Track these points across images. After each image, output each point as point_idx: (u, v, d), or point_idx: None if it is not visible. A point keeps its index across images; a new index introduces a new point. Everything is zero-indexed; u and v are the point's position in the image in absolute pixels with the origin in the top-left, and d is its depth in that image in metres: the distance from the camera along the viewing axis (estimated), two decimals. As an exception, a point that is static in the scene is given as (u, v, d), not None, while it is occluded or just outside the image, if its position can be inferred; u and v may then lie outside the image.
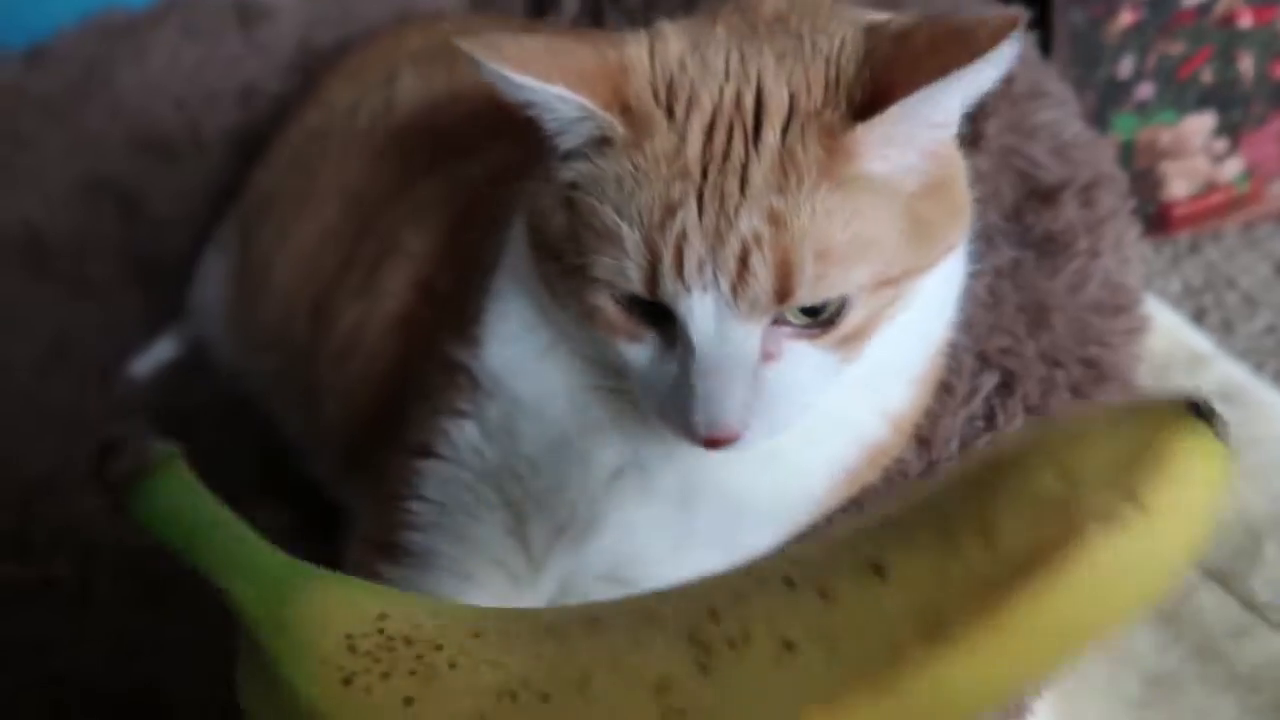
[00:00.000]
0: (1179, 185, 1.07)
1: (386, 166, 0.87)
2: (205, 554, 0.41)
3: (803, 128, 0.51)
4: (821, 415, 0.57)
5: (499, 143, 0.82)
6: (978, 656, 0.33)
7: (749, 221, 0.50)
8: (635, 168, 0.52)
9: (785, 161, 0.51)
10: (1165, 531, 0.32)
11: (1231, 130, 1.05)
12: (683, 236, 0.51)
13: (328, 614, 0.39)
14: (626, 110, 0.53)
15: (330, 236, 0.86)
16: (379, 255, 0.80)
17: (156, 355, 1.03)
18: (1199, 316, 1.04)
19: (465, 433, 0.63)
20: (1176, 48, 1.01)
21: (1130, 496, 0.32)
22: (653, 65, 0.54)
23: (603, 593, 0.61)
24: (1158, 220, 1.08)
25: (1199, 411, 0.33)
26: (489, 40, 0.54)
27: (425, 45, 1.00)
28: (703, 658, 0.36)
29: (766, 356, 0.53)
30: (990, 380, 0.66)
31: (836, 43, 0.53)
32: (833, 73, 0.52)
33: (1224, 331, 1.03)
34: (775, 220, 0.50)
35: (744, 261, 0.50)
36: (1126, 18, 0.99)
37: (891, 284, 0.54)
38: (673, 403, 0.53)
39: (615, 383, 0.59)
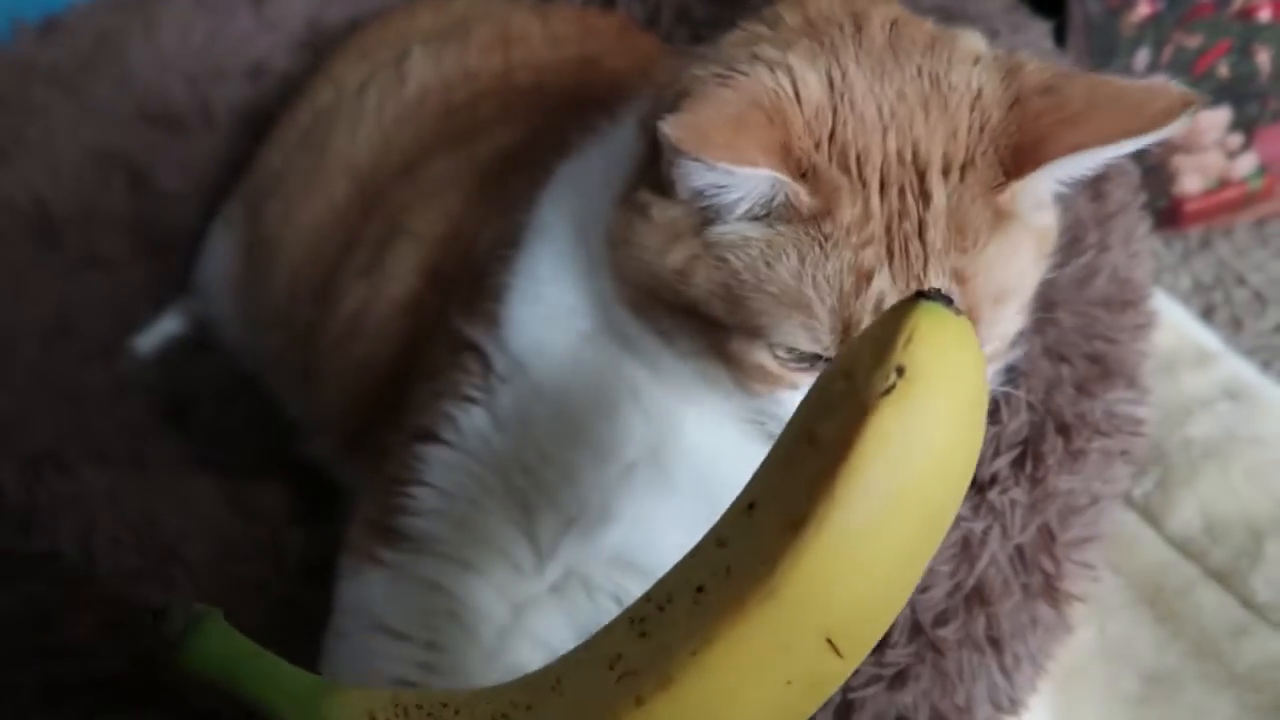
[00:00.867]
0: (1192, 180, 1.06)
1: (395, 146, 0.86)
2: (248, 685, 0.49)
3: (965, 184, 0.52)
4: None
5: (510, 123, 0.82)
6: (828, 533, 0.40)
7: (939, 279, 0.52)
8: (825, 237, 0.51)
9: (958, 222, 0.52)
10: (930, 386, 0.40)
11: (1247, 125, 1.04)
12: (880, 299, 0.51)
13: (353, 703, 0.48)
14: (806, 174, 0.52)
15: (337, 215, 0.86)
16: (386, 236, 0.80)
17: (161, 331, 1.03)
18: (1208, 313, 1.04)
19: (473, 419, 0.63)
20: (1193, 40, 1.00)
21: (893, 370, 0.40)
22: (803, 112, 0.52)
23: (611, 580, 0.62)
24: (1169, 215, 1.07)
25: (928, 295, 0.41)
26: (688, 124, 0.49)
27: (436, 23, 0.99)
28: (639, 625, 0.45)
29: None
30: (995, 377, 0.66)
31: (975, 86, 0.54)
32: (978, 121, 0.53)
33: (1233, 328, 1.02)
34: (959, 278, 0.52)
35: None
36: (1144, 9, 0.98)
37: (1023, 310, 0.57)
38: None
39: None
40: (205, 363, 0.98)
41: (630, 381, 0.61)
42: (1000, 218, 0.53)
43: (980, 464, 0.64)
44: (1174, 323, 0.90)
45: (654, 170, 0.55)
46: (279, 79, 1.14)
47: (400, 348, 0.76)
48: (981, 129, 0.53)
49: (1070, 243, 0.74)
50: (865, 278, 0.51)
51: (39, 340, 0.95)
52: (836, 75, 0.53)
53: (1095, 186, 0.77)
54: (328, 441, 0.84)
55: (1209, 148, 1.05)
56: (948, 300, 0.42)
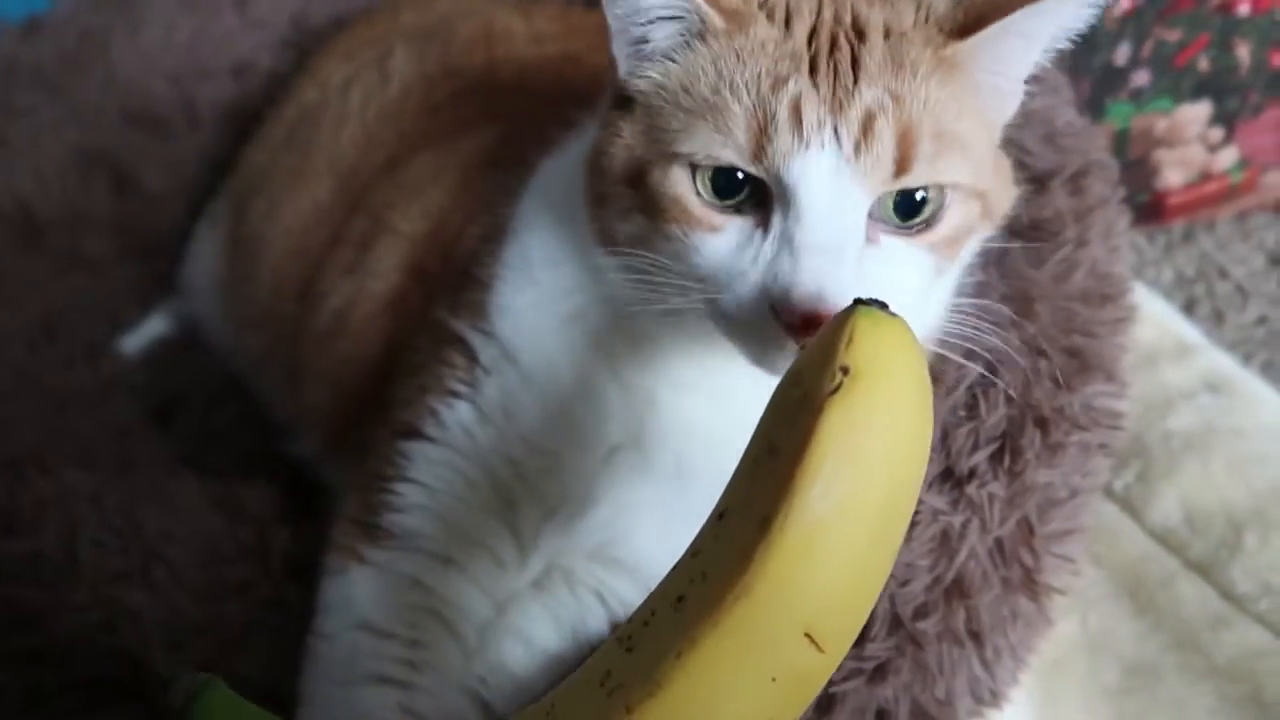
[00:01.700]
0: (1173, 174, 1.07)
1: (378, 143, 0.87)
2: None
3: (906, 39, 0.54)
4: None
5: (492, 121, 0.83)
6: (794, 529, 0.42)
7: (871, 93, 0.52)
8: (737, 51, 0.54)
9: (896, 57, 0.54)
10: (874, 380, 0.43)
11: (1227, 119, 1.04)
12: (799, 99, 0.52)
13: None
14: (722, 9, 0.55)
15: (321, 213, 0.86)
16: (369, 234, 0.80)
17: (147, 332, 1.03)
18: (1190, 306, 1.04)
19: (457, 413, 0.63)
20: (1174, 35, 1.00)
21: (838, 370, 0.43)
22: None
23: (592, 574, 0.62)
24: (1151, 209, 1.08)
25: (864, 303, 0.45)
26: None
27: (419, 22, 0.99)
28: (626, 643, 0.47)
29: (869, 240, 0.53)
30: (974, 369, 0.66)
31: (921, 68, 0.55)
32: (923, 13, 0.55)
33: (1214, 321, 1.03)
34: (895, 98, 0.52)
35: (868, 126, 0.52)
36: (1124, 3, 0.98)
37: (978, 199, 0.55)
38: (764, 288, 0.52)
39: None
40: (192, 363, 0.98)
41: (612, 360, 0.61)
42: (944, 64, 0.54)
43: (959, 458, 0.65)
44: (1155, 316, 0.91)
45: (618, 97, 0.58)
46: (264, 78, 1.14)
47: (384, 345, 0.76)
48: (927, 18, 0.55)
49: (1049, 237, 0.74)
50: (780, 81, 0.53)
51: (24, 343, 0.94)
52: None
53: (1074, 181, 0.77)
54: (313, 440, 0.84)
55: (1190, 141, 1.06)
56: (882, 305, 0.45)
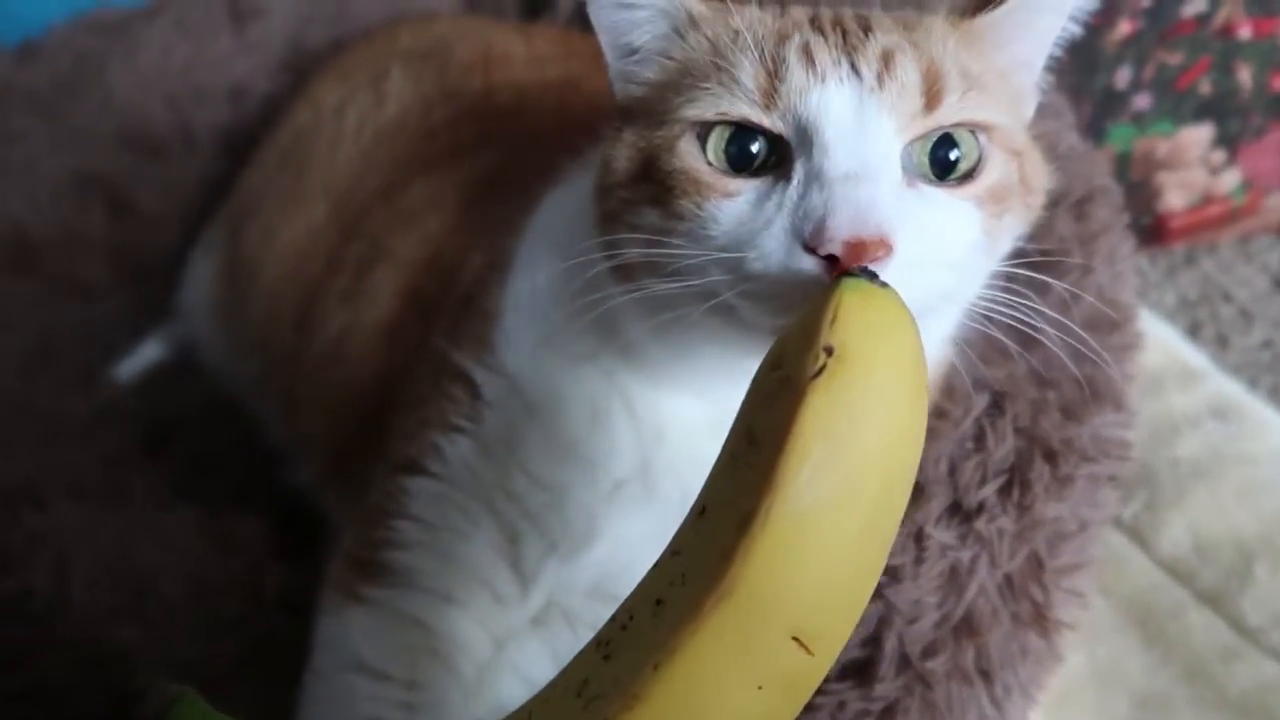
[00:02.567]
0: (1176, 197, 1.06)
1: (374, 166, 0.86)
2: None
3: (917, 20, 0.54)
4: None
5: (492, 146, 0.82)
6: (776, 525, 0.40)
7: (884, 37, 0.51)
8: (733, 26, 0.53)
9: (907, 25, 0.53)
10: (861, 360, 0.39)
11: (1229, 142, 1.04)
12: (808, 44, 0.51)
13: None
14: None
15: (316, 236, 0.86)
16: (367, 260, 0.79)
17: (143, 357, 1.02)
18: (1194, 330, 1.03)
19: (459, 449, 0.62)
20: (1175, 58, 1.00)
21: (821, 351, 0.39)
22: None
23: (592, 610, 0.61)
24: (1153, 232, 1.07)
25: (850, 273, 0.41)
26: None
27: (417, 44, 0.99)
28: (603, 649, 0.45)
29: (908, 183, 0.50)
30: (982, 401, 0.66)
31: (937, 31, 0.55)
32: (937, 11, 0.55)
33: (1219, 346, 1.02)
34: (912, 42, 0.51)
35: (888, 59, 0.50)
36: (1125, 27, 0.98)
37: (1015, 158, 0.53)
38: (794, 229, 0.48)
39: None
40: (187, 389, 0.97)
41: (623, 390, 0.60)
42: (962, 33, 0.53)
43: (967, 491, 0.64)
44: (1160, 341, 0.90)
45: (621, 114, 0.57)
46: (260, 101, 1.13)
47: (382, 373, 0.75)
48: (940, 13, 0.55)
49: (1054, 263, 0.73)
50: (784, 35, 0.52)
51: (17, 370, 0.93)
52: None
53: (1079, 207, 0.77)
54: (310, 469, 0.83)
55: (1192, 164, 1.05)
56: (872, 275, 0.41)
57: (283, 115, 1.02)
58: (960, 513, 0.62)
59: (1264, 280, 1.07)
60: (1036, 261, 0.73)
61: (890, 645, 0.59)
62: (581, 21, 1.08)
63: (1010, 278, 0.75)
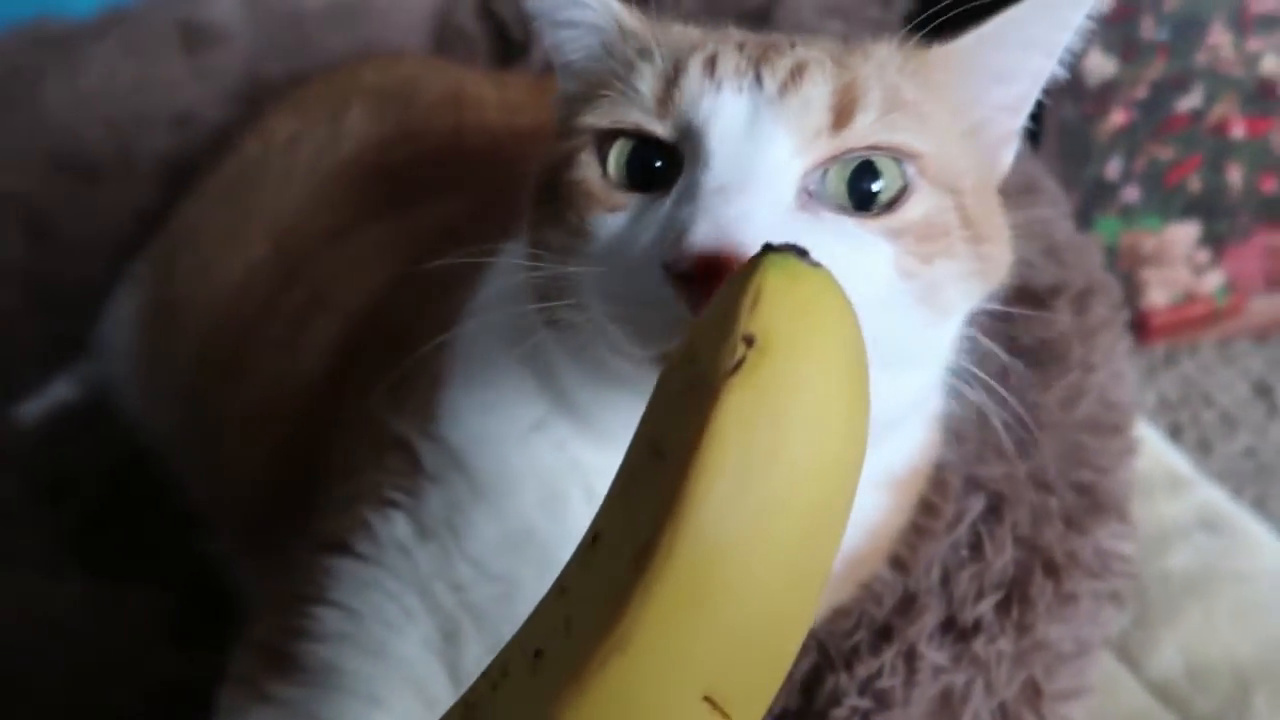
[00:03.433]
0: (1158, 294, 1.04)
1: (325, 206, 0.79)
2: None
3: (863, 44, 0.50)
4: None
5: (457, 189, 0.76)
6: (682, 560, 0.32)
7: (805, 51, 0.47)
8: (656, 38, 0.49)
9: (847, 49, 0.49)
10: (788, 352, 0.32)
11: (1215, 241, 1.01)
12: (715, 53, 0.47)
13: None
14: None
15: (256, 277, 0.79)
16: (307, 308, 0.72)
17: (49, 398, 0.93)
18: (1175, 433, 1.00)
19: (393, 528, 0.54)
20: (1166, 153, 0.98)
21: (739, 342, 0.32)
22: None
23: None
24: (1135, 329, 1.04)
25: (775, 249, 0.34)
26: None
27: (381, 81, 0.93)
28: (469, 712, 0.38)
29: (800, 206, 0.45)
30: (977, 504, 0.60)
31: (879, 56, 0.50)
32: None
33: (1201, 451, 0.98)
34: (838, 60, 0.47)
35: (798, 71, 0.46)
36: (1118, 118, 0.96)
37: (952, 197, 0.47)
38: (657, 244, 0.43)
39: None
40: (95, 436, 0.89)
41: (579, 464, 0.53)
42: (911, 59, 0.49)
43: (962, 606, 0.57)
44: (1146, 444, 0.86)
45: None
46: (208, 131, 1.07)
47: (315, 435, 0.67)
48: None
49: (1054, 360, 0.69)
50: (699, 43, 0.49)
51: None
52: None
53: (1079, 301, 0.72)
54: (225, 537, 0.75)
55: (1177, 262, 1.03)
56: (801, 252, 0.34)
57: (231, 147, 0.95)
58: (955, 629, 0.56)
59: (1245, 386, 1.04)
60: (1036, 355, 0.69)
61: (877, 785, 0.52)
62: (553, 70, 1.04)
63: (1004, 373, 0.71)
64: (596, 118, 0.48)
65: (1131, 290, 1.03)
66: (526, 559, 0.53)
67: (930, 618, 0.56)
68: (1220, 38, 0.94)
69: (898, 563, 0.59)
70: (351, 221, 0.78)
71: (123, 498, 0.82)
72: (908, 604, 0.56)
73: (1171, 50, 0.94)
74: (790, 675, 0.55)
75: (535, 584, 0.52)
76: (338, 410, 0.66)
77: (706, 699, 0.32)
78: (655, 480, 0.33)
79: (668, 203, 0.45)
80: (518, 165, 0.76)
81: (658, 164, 0.47)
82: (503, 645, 0.52)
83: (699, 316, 0.36)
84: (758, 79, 0.46)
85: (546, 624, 0.35)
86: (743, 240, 0.41)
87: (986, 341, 0.53)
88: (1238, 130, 0.97)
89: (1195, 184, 0.98)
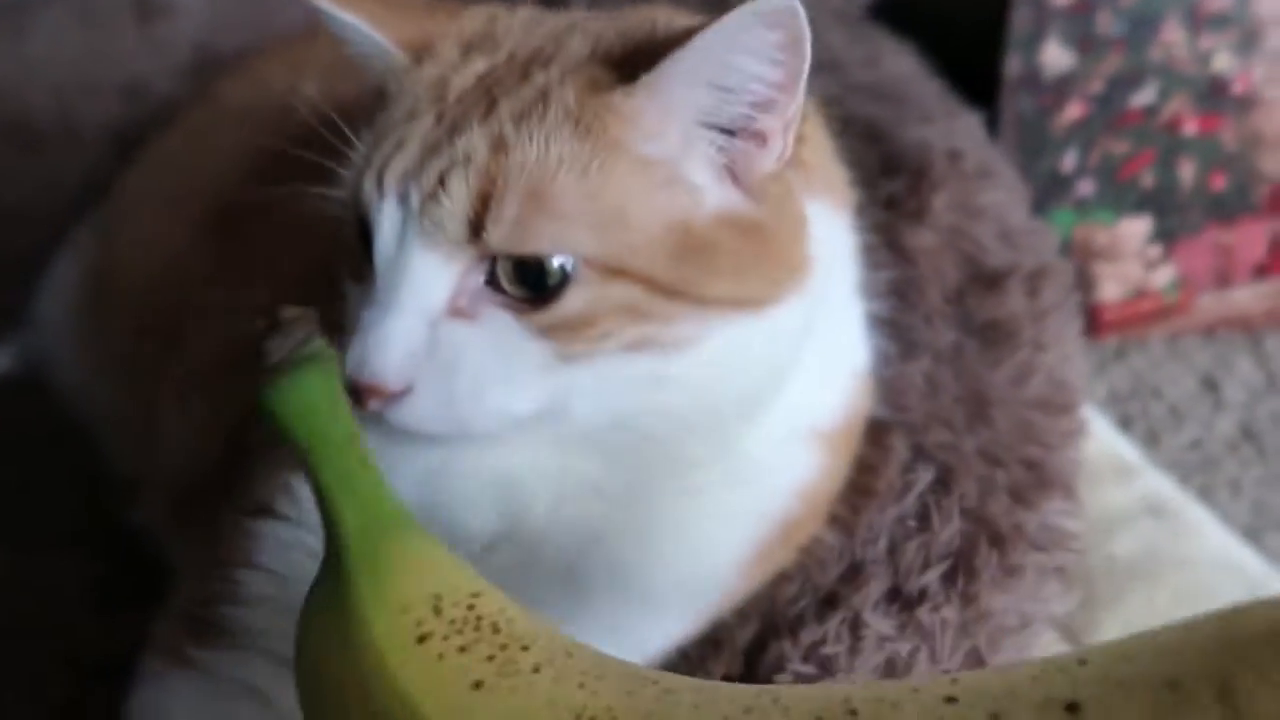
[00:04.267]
0: (1110, 288, 1.04)
1: (271, 175, 0.78)
2: (325, 464, 0.38)
3: (565, 75, 0.47)
4: (719, 483, 0.51)
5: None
6: None
7: (468, 141, 0.46)
8: (401, 90, 0.49)
9: (537, 100, 0.47)
10: None
11: (1167, 237, 1.02)
12: (400, 144, 0.47)
13: (424, 567, 0.39)
14: (422, 49, 0.50)
15: (198, 244, 0.77)
16: (247, 273, 0.71)
17: (-15, 367, 0.90)
18: (1125, 424, 1.01)
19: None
20: (1120, 146, 0.98)
21: None
22: (480, 21, 0.52)
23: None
24: (1088, 322, 1.05)
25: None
26: None
27: (339, 59, 0.92)
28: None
29: (456, 312, 0.46)
30: (926, 476, 0.60)
31: (640, 21, 0.50)
32: (617, 43, 0.49)
33: (1149, 443, 0.99)
34: (496, 145, 0.45)
35: (443, 179, 0.45)
36: (1075, 110, 0.97)
37: (637, 283, 0.46)
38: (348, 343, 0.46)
39: None
40: (29, 408, 0.86)
41: (452, 450, 0.52)
42: (596, 118, 0.46)
43: (908, 575, 0.57)
44: (1096, 432, 0.86)
45: None
46: (158, 102, 1.05)
47: (252, 406, 0.65)
48: (619, 48, 0.49)
49: (1005, 338, 0.69)
50: (405, 119, 0.48)
51: None
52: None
53: (1031, 282, 0.73)
54: (159, 507, 0.72)
55: (1129, 256, 1.03)
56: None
57: (180, 115, 0.93)
58: (900, 598, 0.55)
59: (1193, 380, 1.05)
60: (987, 334, 0.69)
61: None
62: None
63: (958, 351, 0.71)
64: (333, 189, 0.49)
65: (1084, 284, 1.04)
66: (435, 525, 0.52)
67: (876, 586, 0.55)
68: (1174, 34, 0.96)
69: (839, 523, 0.58)
70: (295, 198, 0.77)
71: (54, 471, 0.79)
72: (853, 572, 0.56)
73: (1128, 45, 0.95)
74: (732, 642, 0.54)
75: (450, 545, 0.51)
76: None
77: None
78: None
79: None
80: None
81: None
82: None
83: None
84: (409, 188, 0.46)
85: None
86: (375, 370, 0.45)
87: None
88: (1190, 127, 0.98)
89: (1148, 179, 0.99)
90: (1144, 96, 0.96)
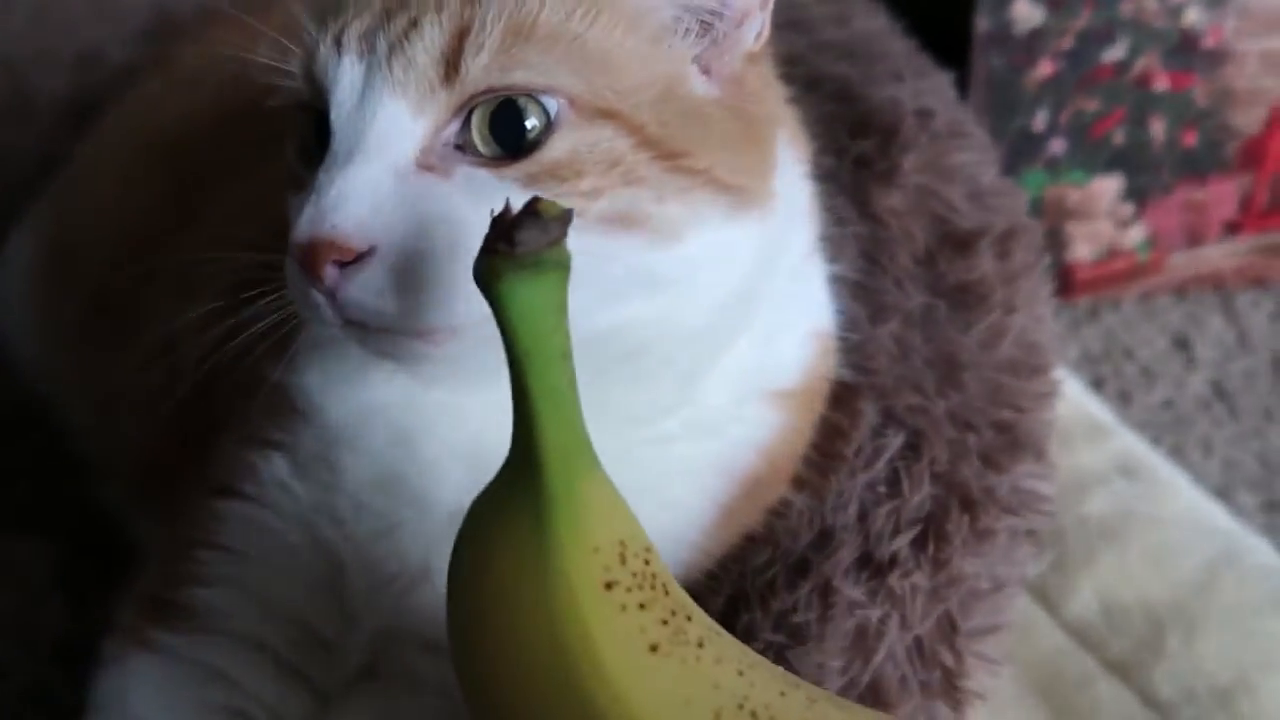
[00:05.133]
0: (1083, 248, 1.04)
1: (227, 145, 0.76)
2: (536, 374, 0.37)
3: None
4: (682, 437, 0.51)
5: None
6: None
7: None
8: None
9: None
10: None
11: (1138, 196, 1.02)
12: (359, 10, 0.45)
13: (613, 509, 0.38)
14: None
15: (155, 216, 0.75)
16: (204, 246, 0.69)
17: (-63, 346, 0.88)
18: (1097, 385, 1.01)
19: (274, 467, 0.52)
20: (1091, 105, 0.98)
21: None
22: None
23: (434, 669, 0.51)
24: (1060, 283, 1.05)
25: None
26: None
27: (293, 24, 0.89)
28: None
29: (425, 166, 0.43)
30: (896, 440, 0.59)
31: None
32: None
33: (1121, 402, 0.99)
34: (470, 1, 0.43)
35: (414, 23, 0.43)
36: (1045, 68, 0.96)
37: (626, 127, 0.44)
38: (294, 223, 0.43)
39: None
40: (-14, 386, 0.84)
41: (418, 405, 0.51)
42: None
43: (879, 541, 0.57)
44: (1068, 393, 0.86)
45: None
46: (113, 71, 1.02)
47: (212, 379, 0.64)
48: None
49: (976, 301, 0.68)
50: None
51: None
52: None
53: (1001, 244, 0.72)
54: (121, 486, 0.71)
55: (1100, 216, 1.03)
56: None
57: (136, 82, 0.91)
58: (871, 565, 0.55)
59: (1164, 340, 1.05)
60: (958, 296, 0.69)
61: None
62: None
63: (928, 313, 0.70)
64: (276, 84, 0.47)
65: (1057, 245, 1.04)
66: (401, 497, 0.51)
67: (846, 553, 0.55)
68: (1145, -11, 0.95)
69: (809, 488, 0.58)
70: (255, 161, 0.75)
71: (13, 451, 0.78)
72: (824, 539, 0.55)
73: (1097, 0, 0.94)
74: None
75: (413, 520, 0.51)
76: (229, 355, 0.63)
77: None
78: None
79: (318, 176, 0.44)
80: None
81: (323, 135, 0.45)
82: (389, 580, 0.51)
83: None
84: (374, 40, 0.43)
85: None
86: (336, 224, 0.41)
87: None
88: (1160, 83, 0.97)
89: (1119, 137, 0.99)
90: (1115, 53, 0.95)
